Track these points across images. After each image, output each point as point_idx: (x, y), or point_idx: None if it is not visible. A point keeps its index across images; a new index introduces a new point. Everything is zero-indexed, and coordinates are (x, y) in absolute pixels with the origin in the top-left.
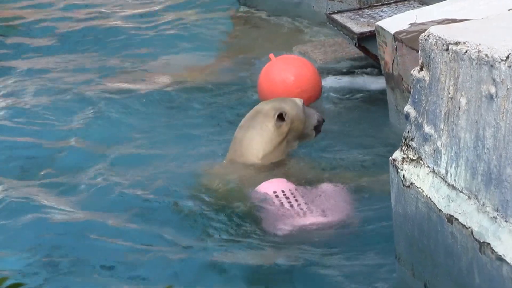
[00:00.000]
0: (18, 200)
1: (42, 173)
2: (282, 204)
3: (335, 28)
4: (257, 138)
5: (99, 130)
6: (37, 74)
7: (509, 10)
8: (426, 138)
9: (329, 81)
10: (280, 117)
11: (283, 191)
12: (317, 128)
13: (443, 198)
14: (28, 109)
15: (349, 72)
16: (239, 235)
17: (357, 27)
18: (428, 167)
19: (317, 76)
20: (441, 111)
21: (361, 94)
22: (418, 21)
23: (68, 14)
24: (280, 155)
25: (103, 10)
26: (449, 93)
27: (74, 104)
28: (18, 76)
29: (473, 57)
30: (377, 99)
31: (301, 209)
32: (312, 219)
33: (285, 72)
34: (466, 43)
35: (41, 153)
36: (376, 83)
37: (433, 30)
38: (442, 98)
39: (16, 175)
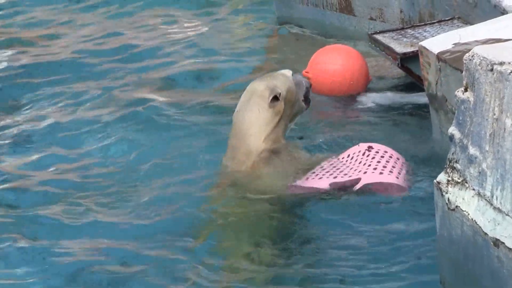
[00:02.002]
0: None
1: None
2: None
3: (377, 48)
4: (255, 122)
5: (124, 146)
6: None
7: None
8: (471, 160)
9: (371, 98)
10: (275, 97)
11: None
12: (306, 96)
13: (488, 222)
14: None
15: (391, 90)
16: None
17: (400, 48)
18: (473, 189)
19: (364, 65)
20: (486, 133)
21: (404, 114)
22: (462, 41)
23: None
24: (280, 133)
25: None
26: (494, 114)
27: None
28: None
29: None
30: (420, 120)
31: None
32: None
33: (332, 62)
34: (511, 63)
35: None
36: (419, 102)
37: (478, 50)
38: (487, 119)
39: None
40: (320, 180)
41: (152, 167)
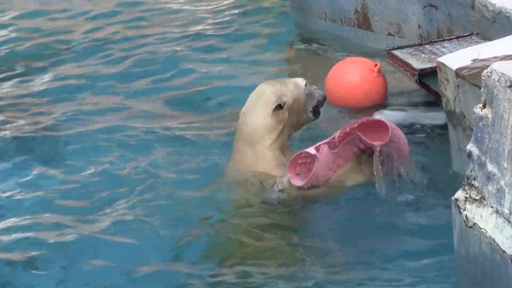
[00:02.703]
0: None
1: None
2: None
3: (395, 64)
4: (260, 128)
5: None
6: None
7: None
8: (489, 177)
9: (387, 114)
10: (279, 106)
11: None
12: (316, 109)
13: (507, 239)
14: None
15: (409, 106)
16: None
17: (418, 63)
18: (492, 207)
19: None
20: (504, 150)
21: (421, 130)
22: (481, 57)
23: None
24: (285, 141)
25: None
26: None
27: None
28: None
29: None
30: (438, 136)
31: None
32: None
33: (351, 74)
34: None
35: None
36: (437, 119)
37: (496, 66)
38: (505, 136)
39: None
40: (312, 146)
41: (160, 182)
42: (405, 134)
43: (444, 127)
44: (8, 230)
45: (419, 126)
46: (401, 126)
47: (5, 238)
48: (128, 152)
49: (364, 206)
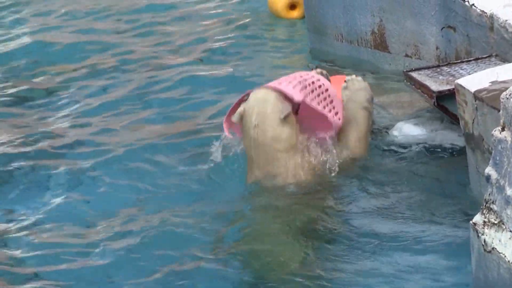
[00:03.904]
0: None
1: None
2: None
3: (413, 86)
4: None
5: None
6: None
7: None
8: (508, 201)
9: (403, 131)
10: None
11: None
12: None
13: None
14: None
15: (426, 128)
16: None
17: (436, 85)
18: (511, 231)
19: None
20: None
21: (439, 152)
22: (500, 79)
23: None
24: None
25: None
26: None
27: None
28: None
29: None
30: (456, 159)
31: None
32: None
33: None
34: None
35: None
36: (455, 141)
37: None
38: None
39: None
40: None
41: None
42: (423, 151)
43: (462, 147)
44: (17, 247)
45: (438, 148)
46: (418, 146)
47: (16, 252)
48: (149, 167)
49: (379, 229)
